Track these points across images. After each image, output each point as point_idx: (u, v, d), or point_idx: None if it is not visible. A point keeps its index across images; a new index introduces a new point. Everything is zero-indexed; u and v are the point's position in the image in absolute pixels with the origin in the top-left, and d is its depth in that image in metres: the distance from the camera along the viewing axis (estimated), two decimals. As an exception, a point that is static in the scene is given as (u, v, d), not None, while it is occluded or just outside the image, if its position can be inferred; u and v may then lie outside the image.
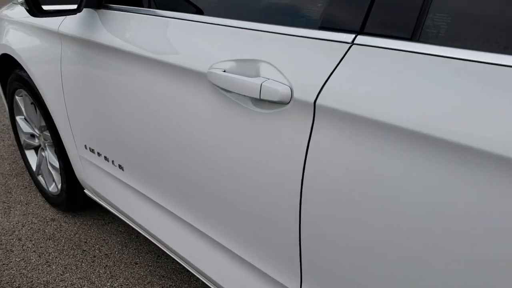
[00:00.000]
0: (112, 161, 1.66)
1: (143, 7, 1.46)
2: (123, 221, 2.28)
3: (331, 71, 0.89)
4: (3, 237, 2.18)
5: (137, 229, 1.75)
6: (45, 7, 1.35)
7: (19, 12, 2.15)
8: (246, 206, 1.13)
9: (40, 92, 1.95)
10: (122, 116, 1.49)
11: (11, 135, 3.23)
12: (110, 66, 1.49)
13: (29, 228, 2.25)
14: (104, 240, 2.16)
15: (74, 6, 1.44)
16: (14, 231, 2.22)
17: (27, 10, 1.34)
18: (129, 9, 1.48)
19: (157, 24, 1.35)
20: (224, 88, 1.08)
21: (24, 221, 2.30)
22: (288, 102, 0.95)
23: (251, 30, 1.07)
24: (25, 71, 2.08)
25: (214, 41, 1.15)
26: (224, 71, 1.08)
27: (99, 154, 1.73)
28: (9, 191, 2.57)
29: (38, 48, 1.87)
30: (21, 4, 1.32)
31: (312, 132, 0.91)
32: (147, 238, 1.76)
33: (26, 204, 2.44)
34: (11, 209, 2.40)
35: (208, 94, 1.14)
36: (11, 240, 2.16)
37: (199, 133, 1.19)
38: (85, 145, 1.79)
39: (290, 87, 0.94)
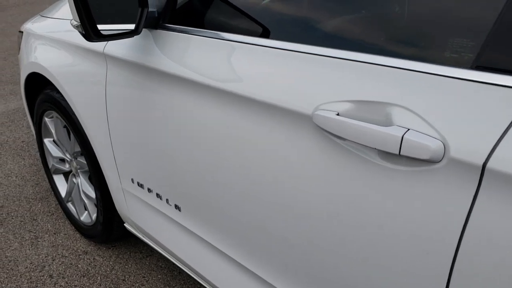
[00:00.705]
0: (167, 200, 1.46)
1: (207, 28, 1.27)
2: (162, 254, 2.09)
3: (507, 125, 0.69)
4: (32, 274, 1.99)
5: (183, 267, 1.56)
6: (102, 28, 1.15)
7: (49, 26, 1.96)
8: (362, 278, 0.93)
9: (77, 116, 1.75)
10: (182, 152, 1.30)
11: (32, 152, 3.04)
12: (169, 94, 1.30)
13: (60, 262, 2.05)
14: (144, 277, 1.96)
15: (131, 26, 1.24)
16: (44, 266, 2.03)
17: (83, 34, 1.15)
18: (190, 31, 1.28)
19: (230, 50, 1.15)
20: (338, 135, 0.88)
21: (54, 254, 2.10)
22: (439, 161, 0.75)
23: (375, 65, 0.87)
24: (58, 92, 1.89)
25: (317, 75, 0.95)
26: (338, 114, 0.88)
27: (149, 190, 1.53)
28: (35, 218, 2.37)
29: (77, 69, 1.67)
30: (75, 27, 1.12)
31: (476, 202, 0.72)
32: (191, 276, 1.57)
33: (55, 233, 2.25)
34: (39, 239, 2.21)
35: (311, 139, 0.94)
36: (41, 277, 1.96)
37: (291, 182, 1.00)
38: (132, 179, 1.59)
39: (443, 142, 0.74)
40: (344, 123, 0.86)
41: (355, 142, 0.86)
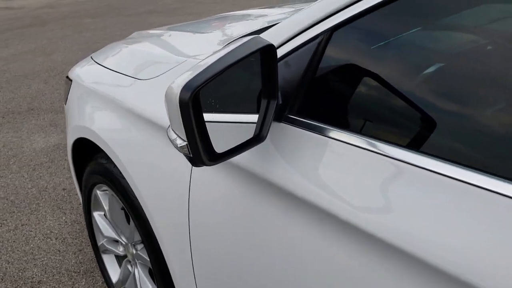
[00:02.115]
0: None
1: (358, 131, 0.82)
2: None
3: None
4: None
5: None
6: (217, 147, 0.70)
7: (105, 78, 1.54)
8: None
9: (143, 208, 1.32)
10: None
11: (74, 205, 2.64)
12: (289, 221, 0.86)
13: None
14: None
15: (248, 133, 0.79)
16: None
17: (190, 158, 0.71)
18: (329, 132, 0.83)
19: (393, 174, 0.71)
20: None
21: None
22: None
23: None
24: (115, 166, 1.47)
25: None
26: None
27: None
28: (78, 301, 1.96)
29: (149, 157, 1.24)
30: (180, 149, 0.67)
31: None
32: None
33: (103, 328, 1.83)
34: (84, 337, 1.79)
35: None
36: None
37: None
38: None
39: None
40: None
41: None
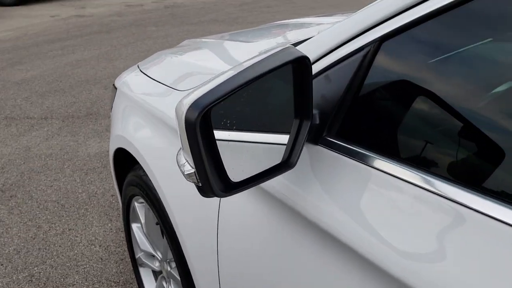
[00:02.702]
0: None
1: (410, 161, 0.69)
2: None
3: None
4: None
5: None
6: (234, 175, 0.60)
7: (147, 88, 1.48)
8: None
9: (175, 230, 1.24)
10: None
11: (121, 212, 2.63)
12: (320, 261, 0.73)
13: None
14: None
15: (274, 157, 0.68)
16: None
17: (199, 188, 0.61)
18: (372, 161, 0.70)
19: (453, 221, 0.58)
20: None
21: None
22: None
23: None
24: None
25: None
26: None
27: None
28: (115, 313, 1.91)
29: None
30: (187, 177, 0.57)
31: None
32: None
33: None
34: None
35: None
36: None
37: None
38: None
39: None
40: None
41: None
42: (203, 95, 0.56)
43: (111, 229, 2.49)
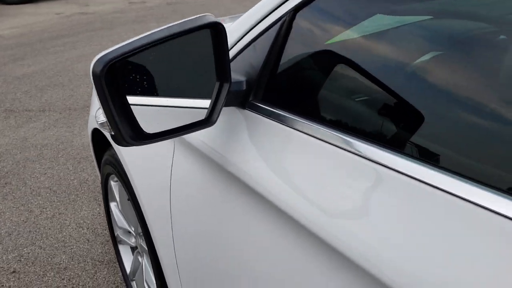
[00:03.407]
0: None
1: (330, 123, 0.75)
2: None
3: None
4: None
5: None
6: (150, 127, 0.67)
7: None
8: None
9: (138, 199, 1.32)
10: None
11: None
12: (246, 218, 0.80)
13: None
14: None
15: (199, 112, 0.76)
16: None
17: (112, 137, 0.68)
18: (296, 123, 0.77)
19: (372, 180, 0.63)
20: None
21: None
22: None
23: None
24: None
25: None
26: None
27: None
28: (97, 289, 2.00)
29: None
30: (100, 126, 0.65)
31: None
32: None
33: (115, 317, 1.85)
34: (96, 324, 1.82)
35: None
36: None
37: None
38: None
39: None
40: None
41: None
42: (110, 51, 0.64)
43: (99, 213, 2.58)
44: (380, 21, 0.80)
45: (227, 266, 0.94)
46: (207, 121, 0.76)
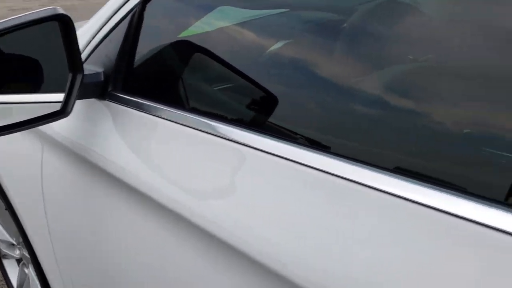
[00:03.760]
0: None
1: (185, 107, 0.80)
2: None
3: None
4: None
5: None
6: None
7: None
8: None
9: (12, 204, 1.29)
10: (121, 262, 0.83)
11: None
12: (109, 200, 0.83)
13: None
14: None
15: (56, 106, 0.77)
16: None
17: None
18: (152, 109, 0.81)
19: (218, 151, 0.69)
20: None
21: None
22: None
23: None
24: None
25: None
26: None
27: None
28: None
29: (7, 147, 1.20)
30: None
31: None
32: None
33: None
34: None
35: None
36: None
37: None
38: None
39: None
40: None
41: None
42: None
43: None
44: (225, 13, 0.87)
45: (106, 262, 0.95)
46: (61, 113, 0.77)
